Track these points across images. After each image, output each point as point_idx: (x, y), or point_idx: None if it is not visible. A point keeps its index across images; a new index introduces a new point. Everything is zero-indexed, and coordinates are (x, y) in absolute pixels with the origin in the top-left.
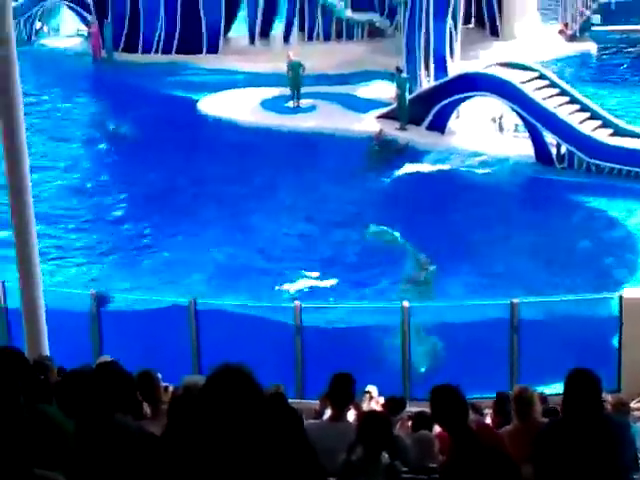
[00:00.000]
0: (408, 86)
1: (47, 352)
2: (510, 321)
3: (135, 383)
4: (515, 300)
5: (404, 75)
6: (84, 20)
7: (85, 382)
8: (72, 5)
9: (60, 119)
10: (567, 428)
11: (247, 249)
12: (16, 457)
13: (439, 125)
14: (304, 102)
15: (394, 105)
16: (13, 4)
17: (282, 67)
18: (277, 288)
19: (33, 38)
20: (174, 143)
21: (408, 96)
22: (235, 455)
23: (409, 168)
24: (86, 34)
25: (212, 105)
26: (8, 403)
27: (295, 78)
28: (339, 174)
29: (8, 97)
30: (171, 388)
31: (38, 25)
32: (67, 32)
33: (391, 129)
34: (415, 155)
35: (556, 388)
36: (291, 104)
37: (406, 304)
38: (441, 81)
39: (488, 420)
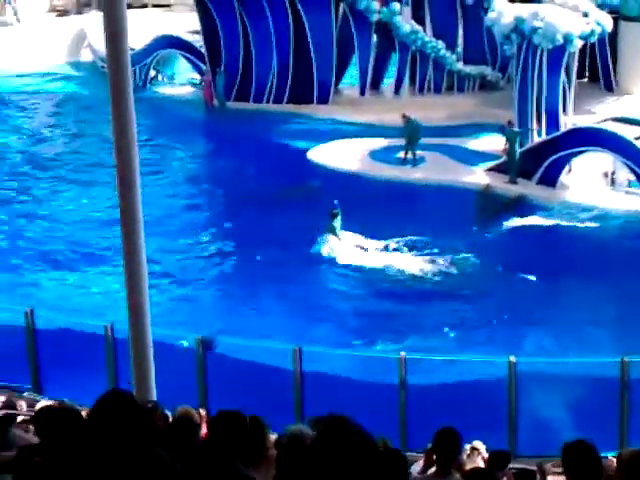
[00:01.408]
0: (519, 139)
1: (154, 394)
2: (620, 379)
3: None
4: (626, 358)
5: (515, 128)
6: (198, 69)
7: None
8: (186, 54)
9: (170, 163)
10: None
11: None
12: None
13: (550, 179)
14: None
15: (504, 158)
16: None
17: (392, 119)
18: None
19: (147, 86)
20: (283, 192)
21: (518, 149)
22: None
23: (518, 222)
24: (199, 83)
25: (322, 155)
26: (123, 447)
27: (411, 134)
28: (446, 226)
29: (124, 140)
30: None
31: (153, 73)
32: (180, 81)
33: (500, 182)
34: (525, 209)
35: None
36: (402, 155)
37: (513, 359)
38: (553, 135)
39: None
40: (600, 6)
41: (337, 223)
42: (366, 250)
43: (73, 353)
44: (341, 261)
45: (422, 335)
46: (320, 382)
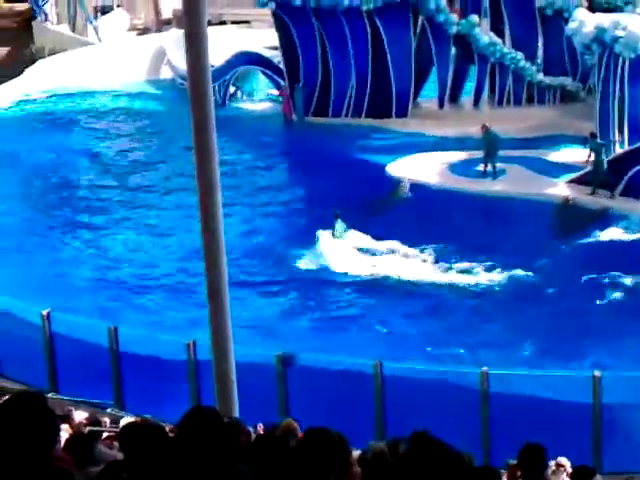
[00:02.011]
0: (604, 150)
1: (237, 411)
2: None
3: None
4: None
5: (598, 140)
6: (276, 85)
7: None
8: (265, 70)
9: (250, 177)
10: None
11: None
12: None
13: (634, 190)
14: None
15: (586, 169)
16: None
17: (471, 131)
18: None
19: (227, 102)
20: (364, 206)
21: (605, 161)
22: None
23: (602, 235)
24: (277, 97)
25: (401, 168)
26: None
27: (489, 145)
28: (526, 239)
29: (205, 156)
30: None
31: (232, 90)
32: (260, 96)
33: (582, 194)
34: (609, 221)
35: None
36: (481, 167)
37: (597, 373)
38: (636, 145)
39: None
40: None
41: (339, 226)
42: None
43: (155, 370)
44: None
45: (498, 349)
46: (401, 394)
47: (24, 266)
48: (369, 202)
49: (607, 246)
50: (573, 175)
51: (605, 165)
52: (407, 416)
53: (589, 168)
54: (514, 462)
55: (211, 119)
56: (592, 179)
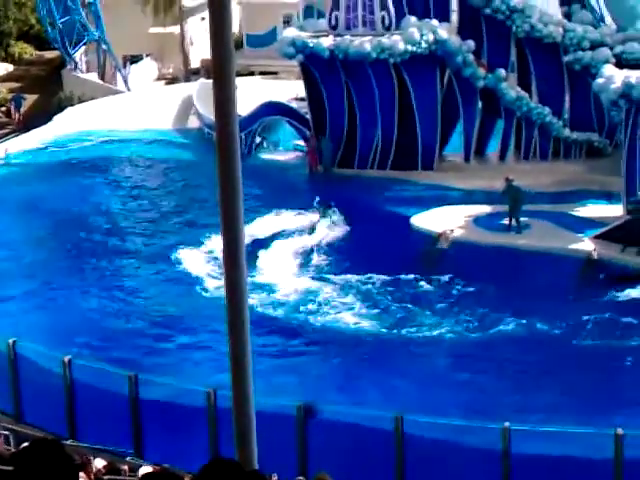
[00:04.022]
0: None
1: (256, 464)
2: None
3: None
4: None
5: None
6: (302, 135)
7: None
8: (291, 121)
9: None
10: None
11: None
12: None
13: None
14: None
15: (613, 224)
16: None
17: (497, 185)
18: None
19: (253, 152)
20: (390, 257)
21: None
22: None
23: (632, 293)
24: (303, 148)
25: (426, 221)
26: None
27: (514, 199)
28: (549, 294)
29: (231, 206)
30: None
31: (258, 140)
32: (286, 146)
33: (611, 251)
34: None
35: None
36: (506, 221)
37: (620, 431)
38: None
39: None
40: None
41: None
42: None
43: (175, 418)
44: None
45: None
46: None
47: (49, 312)
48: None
49: (629, 304)
50: (598, 231)
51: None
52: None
53: (617, 223)
54: None
55: (238, 171)
56: (622, 235)
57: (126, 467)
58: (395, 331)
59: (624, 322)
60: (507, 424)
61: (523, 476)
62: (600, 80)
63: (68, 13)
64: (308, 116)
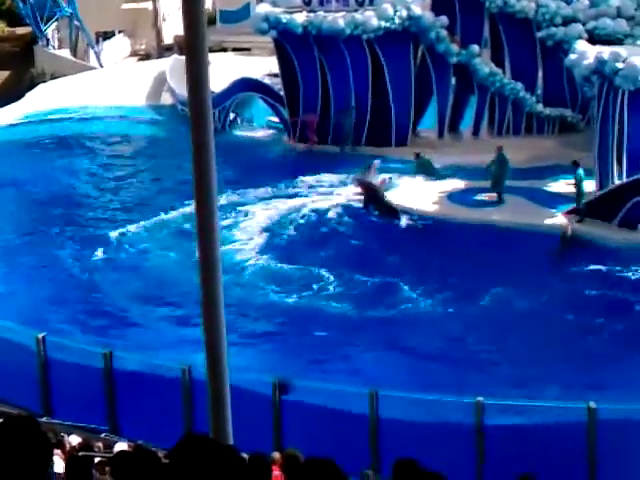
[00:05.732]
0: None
1: (231, 439)
2: None
3: None
4: None
5: (580, 169)
6: (276, 111)
7: None
8: (265, 97)
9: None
10: None
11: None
12: None
13: (632, 222)
14: (490, 196)
15: (587, 199)
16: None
17: (470, 161)
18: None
19: (227, 129)
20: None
21: (584, 190)
22: None
23: (596, 266)
24: (277, 125)
25: (399, 197)
26: None
27: (499, 169)
28: (522, 269)
29: (204, 183)
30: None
31: (232, 116)
32: (259, 123)
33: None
34: (605, 253)
35: None
36: (485, 197)
37: (593, 405)
38: (635, 177)
39: None
40: None
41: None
42: None
43: (150, 394)
44: None
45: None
46: (395, 427)
47: (21, 289)
48: None
49: (599, 276)
50: (570, 206)
51: (583, 194)
52: (402, 446)
53: (589, 198)
54: None
55: (211, 147)
56: (576, 207)
57: (101, 444)
58: (367, 308)
59: (595, 295)
60: (481, 398)
61: (497, 449)
62: (573, 56)
63: None
64: (282, 92)
